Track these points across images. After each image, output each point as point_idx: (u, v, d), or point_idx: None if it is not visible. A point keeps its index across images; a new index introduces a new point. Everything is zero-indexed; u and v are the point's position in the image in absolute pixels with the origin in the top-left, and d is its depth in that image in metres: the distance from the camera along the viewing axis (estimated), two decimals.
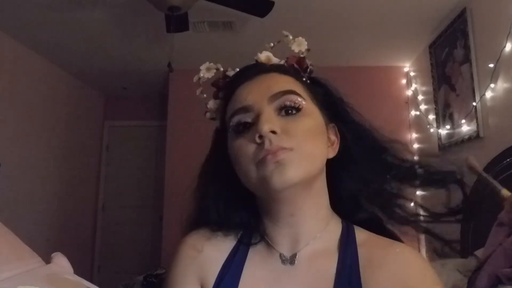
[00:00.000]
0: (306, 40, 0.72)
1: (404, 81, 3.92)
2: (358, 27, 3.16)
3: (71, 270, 0.38)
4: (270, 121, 0.58)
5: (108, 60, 3.90)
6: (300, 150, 0.57)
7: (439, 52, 3.15)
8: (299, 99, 0.61)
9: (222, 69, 0.73)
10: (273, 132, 0.57)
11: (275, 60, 0.70)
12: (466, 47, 2.65)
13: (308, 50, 0.71)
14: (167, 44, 3.22)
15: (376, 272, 0.57)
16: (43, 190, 3.81)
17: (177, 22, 2.53)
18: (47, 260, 0.38)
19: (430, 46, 3.28)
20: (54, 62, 3.92)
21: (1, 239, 0.35)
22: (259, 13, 2.49)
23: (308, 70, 0.71)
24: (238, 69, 0.71)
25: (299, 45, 0.71)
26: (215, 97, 0.73)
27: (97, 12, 2.93)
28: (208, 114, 0.73)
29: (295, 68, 0.70)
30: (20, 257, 0.35)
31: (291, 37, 0.72)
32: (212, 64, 0.74)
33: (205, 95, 0.74)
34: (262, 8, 2.46)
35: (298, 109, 0.60)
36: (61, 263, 0.38)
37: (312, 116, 0.62)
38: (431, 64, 3.28)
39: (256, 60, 0.70)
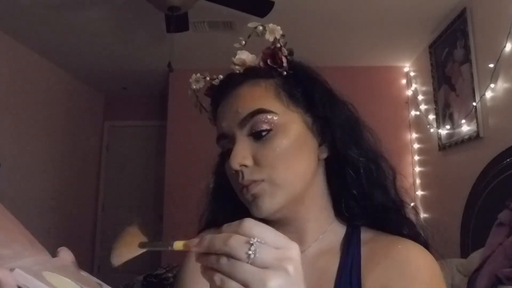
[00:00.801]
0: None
1: (404, 81, 3.92)
2: (358, 27, 3.16)
3: (76, 264, 0.40)
4: (240, 154, 0.58)
5: (108, 60, 3.91)
6: (272, 180, 0.57)
7: (439, 52, 3.15)
8: (269, 116, 0.58)
9: (208, 77, 0.72)
10: (245, 165, 0.58)
11: (250, 60, 0.67)
12: (466, 47, 2.65)
13: (283, 35, 0.65)
14: (167, 44, 3.22)
15: (376, 269, 0.56)
16: (43, 190, 3.81)
17: (177, 22, 2.53)
18: (52, 255, 0.40)
19: (430, 46, 3.28)
20: (54, 62, 3.92)
21: (17, 230, 0.37)
22: (259, 13, 2.48)
23: (285, 62, 0.65)
24: (220, 76, 0.69)
25: (272, 33, 0.66)
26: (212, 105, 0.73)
27: (97, 12, 2.93)
28: (212, 123, 0.73)
29: (269, 65, 0.65)
30: (32, 246, 0.38)
31: (261, 28, 0.66)
32: (198, 75, 0.73)
33: (203, 104, 0.74)
34: (262, 8, 2.46)
35: (269, 130, 0.58)
36: (67, 257, 0.40)
37: (286, 132, 0.59)
38: (431, 64, 3.28)
39: (233, 63, 0.67)
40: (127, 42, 3.47)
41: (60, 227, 4.04)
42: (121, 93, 4.99)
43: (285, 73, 0.64)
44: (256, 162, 0.58)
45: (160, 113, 4.72)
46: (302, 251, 0.61)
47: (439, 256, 0.62)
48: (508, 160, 2.15)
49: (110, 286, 0.36)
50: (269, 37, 0.65)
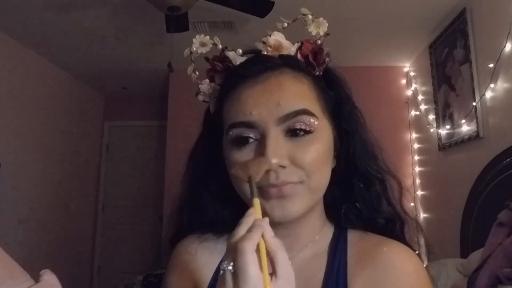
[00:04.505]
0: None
1: (404, 81, 3.93)
2: (358, 27, 3.16)
3: (60, 287, 0.38)
4: (277, 152, 0.52)
5: (108, 60, 3.90)
6: (309, 183, 0.54)
7: (439, 52, 3.15)
8: (312, 120, 0.54)
9: (220, 46, 0.62)
10: (282, 166, 0.52)
11: (286, 46, 0.60)
12: (466, 47, 2.65)
13: (327, 34, 0.60)
14: (167, 44, 3.22)
15: (362, 274, 0.56)
16: (43, 190, 3.81)
17: (177, 22, 2.53)
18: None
19: (430, 46, 3.28)
20: (54, 62, 3.92)
21: None
22: (259, 13, 2.48)
23: (325, 64, 0.60)
24: (240, 50, 0.61)
25: (318, 27, 0.60)
26: (210, 79, 0.64)
27: (97, 12, 2.93)
28: (200, 97, 0.65)
29: (309, 61, 0.59)
30: (11, 276, 0.35)
31: (310, 16, 0.61)
32: (207, 37, 0.64)
33: (197, 73, 0.65)
34: (262, 8, 2.46)
35: (309, 132, 0.54)
36: (50, 280, 0.38)
37: (322, 138, 0.56)
38: (431, 64, 3.28)
39: (264, 42, 0.59)
40: (127, 42, 3.47)
41: (60, 227, 4.04)
42: (121, 93, 4.99)
43: (318, 73, 0.60)
44: (293, 163, 0.53)
45: (160, 113, 4.72)
46: (292, 257, 0.57)
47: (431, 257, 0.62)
48: (508, 160, 2.15)
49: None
50: (313, 30, 0.60)
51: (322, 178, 0.56)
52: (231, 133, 0.56)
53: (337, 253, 0.59)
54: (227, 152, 0.57)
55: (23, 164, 3.52)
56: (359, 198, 0.62)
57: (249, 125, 0.54)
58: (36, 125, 3.71)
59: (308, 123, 0.54)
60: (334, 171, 0.61)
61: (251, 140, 0.55)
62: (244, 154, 0.55)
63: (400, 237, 0.62)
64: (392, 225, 0.62)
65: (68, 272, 4.04)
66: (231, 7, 2.50)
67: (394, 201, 0.63)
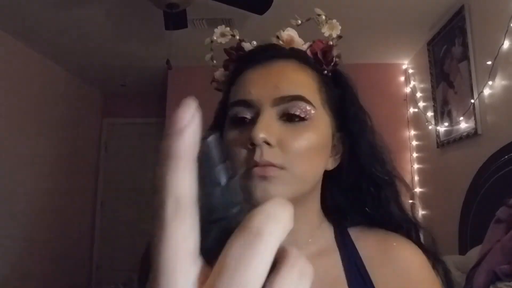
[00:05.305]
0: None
1: (402, 78, 3.92)
2: (356, 25, 3.16)
3: None
4: (267, 129, 0.51)
5: (106, 57, 3.89)
6: (292, 170, 0.53)
7: (437, 49, 3.15)
8: (308, 107, 0.55)
9: (238, 36, 0.65)
10: (268, 143, 0.52)
11: (298, 42, 0.61)
12: (464, 45, 2.66)
13: (340, 37, 0.61)
14: (166, 41, 3.21)
15: (382, 269, 0.57)
16: (42, 188, 3.81)
17: (176, 19, 2.53)
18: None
19: (429, 44, 3.28)
20: (52, 60, 3.91)
21: None
22: (258, 10, 2.48)
23: (333, 63, 0.61)
24: (254, 42, 0.63)
25: (331, 29, 0.61)
26: (225, 67, 0.66)
27: (95, 9, 2.92)
28: (214, 84, 0.67)
29: (318, 58, 0.60)
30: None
31: (324, 17, 0.62)
32: (227, 29, 0.66)
33: (215, 61, 0.66)
34: (261, 5, 2.45)
35: (303, 119, 0.54)
36: None
37: (317, 129, 0.56)
38: (430, 62, 3.28)
39: (277, 36, 0.61)
40: (126, 39, 3.46)
41: (58, 224, 4.04)
42: (120, 90, 4.98)
43: (326, 72, 0.61)
44: (281, 145, 0.52)
45: (158, 110, 4.71)
46: None
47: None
48: (506, 157, 2.16)
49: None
50: (326, 31, 0.62)
51: (309, 168, 0.55)
52: (230, 112, 0.57)
53: (346, 248, 0.59)
54: (226, 131, 0.58)
55: (22, 161, 3.52)
56: (365, 201, 0.63)
57: (247, 104, 0.56)
58: (34, 122, 3.70)
59: (303, 109, 0.54)
60: (338, 174, 0.61)
61: (247, 120, 0.56)
62: (240, 135, 0.55)
63: (416, 241, 0.62)
64: (406, 230, 0.63)
65: (67, 269, 4.04)
66: (229, 4, 2.49)
67: (402, 205, 0.64)
